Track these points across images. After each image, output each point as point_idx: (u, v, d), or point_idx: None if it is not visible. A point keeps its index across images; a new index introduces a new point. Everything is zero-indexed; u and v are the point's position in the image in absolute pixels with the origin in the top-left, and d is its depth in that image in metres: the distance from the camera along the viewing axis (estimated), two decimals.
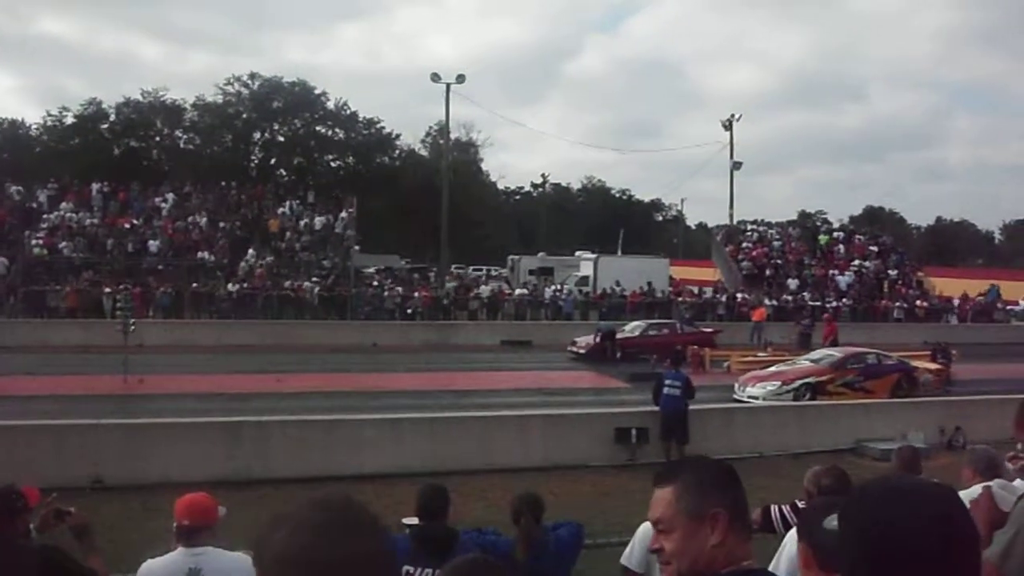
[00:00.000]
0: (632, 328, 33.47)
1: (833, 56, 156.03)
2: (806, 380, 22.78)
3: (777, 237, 55.10)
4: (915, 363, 25.26)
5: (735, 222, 59.07)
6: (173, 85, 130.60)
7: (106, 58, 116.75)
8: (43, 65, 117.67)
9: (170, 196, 45.27)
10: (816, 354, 25.42)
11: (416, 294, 40.98)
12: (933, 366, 25.93)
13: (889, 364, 24.38)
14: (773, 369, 24.39)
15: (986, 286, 50.07)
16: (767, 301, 42.62)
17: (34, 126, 76.79)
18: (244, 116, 76.50)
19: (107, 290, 34.86)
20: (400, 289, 41.42)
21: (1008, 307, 48.32)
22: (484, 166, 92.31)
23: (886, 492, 1.56)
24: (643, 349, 31.15)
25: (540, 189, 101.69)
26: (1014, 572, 3.12)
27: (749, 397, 22.08)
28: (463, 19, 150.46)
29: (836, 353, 25.11)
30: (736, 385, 23.13)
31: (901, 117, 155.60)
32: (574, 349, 32.38)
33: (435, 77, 48.96)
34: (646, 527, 5.22)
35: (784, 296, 45.02)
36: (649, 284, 44.40)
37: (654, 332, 32.98)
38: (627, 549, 5.25)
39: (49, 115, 74.60)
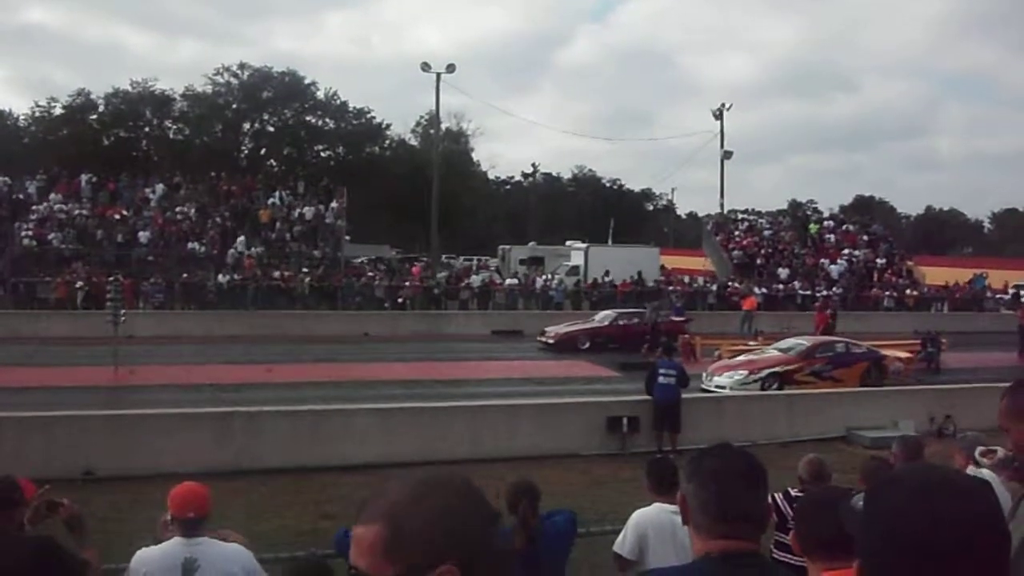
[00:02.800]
0: (601, 318, 32.87)
1: (824, 45, 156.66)
2: (774, 369, 22.66)
3: (768, 226, 55.17)
4: (885, 351, 25.23)
5: (726, 211, 59.22)
6: (162, 75, 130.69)
7: (94, 48, 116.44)
8: (31, 55, 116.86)
9: (159, 187, 45.11)
10: (785, 343, 24.98)
11: (407, 282, 40.99)
12: (904, 354, 25.93)
13: (858, 352, 24.32)
14: (742, 358, 24.23)
15: (977, 275, 50.20)
16: (757, 290, 42.69)
17: (22, 117, 76.36)
18: (234, 106, 76.10)
19: (79, 284, 34.62)
20: (387, 281, 41.33)
21: (997, 295, 48.47)
22: (475, 155, 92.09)
23: (922, 484, 1.48)
24: (612, 339, 31.00)
25: (531, 178, 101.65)
26: None
27: (716, 387, 21.83)
28: (453, 7, 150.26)
29: (804, 342, 24.84)
30: (704, 374, 22.79)
31: (892, 106, 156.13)
32: (543, 339, 31.95)
33: (425, 66, 48.89)
34: (639, 515, 5.25)
35: (775, 285, 45.11)
36: (640, 273, 44.43)
37: (624, 321, 32.25)
38: (620, 537, 5.27)
39: (37, 106, 74.10)
